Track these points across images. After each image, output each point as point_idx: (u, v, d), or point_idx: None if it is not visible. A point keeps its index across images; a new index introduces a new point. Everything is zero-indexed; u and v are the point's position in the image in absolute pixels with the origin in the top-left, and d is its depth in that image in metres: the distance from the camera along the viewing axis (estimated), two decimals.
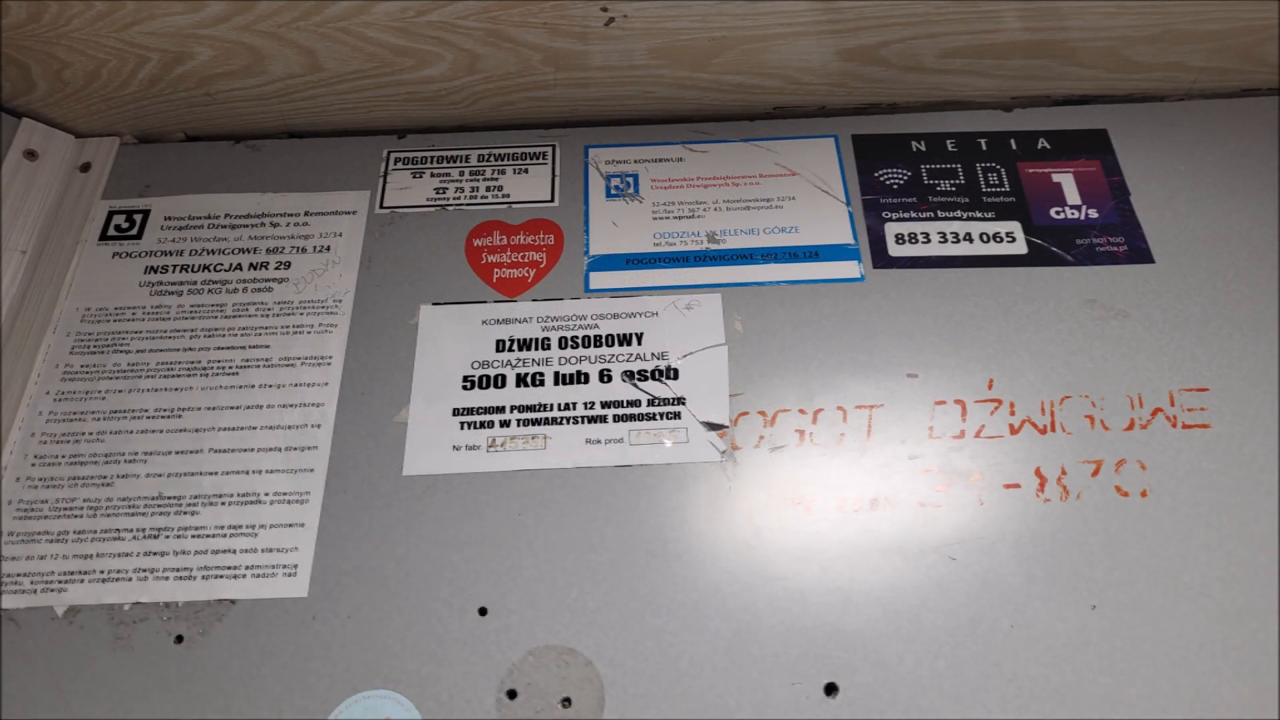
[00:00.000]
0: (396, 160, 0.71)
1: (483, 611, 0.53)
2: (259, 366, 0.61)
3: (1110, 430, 0.57)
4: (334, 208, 0.68)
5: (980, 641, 0.51)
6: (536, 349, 0.62)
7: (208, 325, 0.63)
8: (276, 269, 0.65)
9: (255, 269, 0.65)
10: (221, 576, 0.54)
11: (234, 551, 0.55)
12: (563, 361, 0.61)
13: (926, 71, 0.68)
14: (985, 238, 0.65)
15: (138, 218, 0.68)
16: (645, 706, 0.50)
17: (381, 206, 0.68)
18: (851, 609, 0.52)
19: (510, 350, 0.62)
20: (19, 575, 0.54)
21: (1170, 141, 0.69)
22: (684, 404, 0.59)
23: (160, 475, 0.57)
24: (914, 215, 0.66)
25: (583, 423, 0.59)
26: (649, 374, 0.60)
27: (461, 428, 0.59)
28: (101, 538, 0.55)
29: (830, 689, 0.50)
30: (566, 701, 0.50)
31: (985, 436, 0.57)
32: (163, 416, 0.59)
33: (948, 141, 0.70)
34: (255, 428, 0.59)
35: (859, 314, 0.62)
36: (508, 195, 0.69)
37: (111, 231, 0.67)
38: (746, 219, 0.66)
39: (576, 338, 0.62)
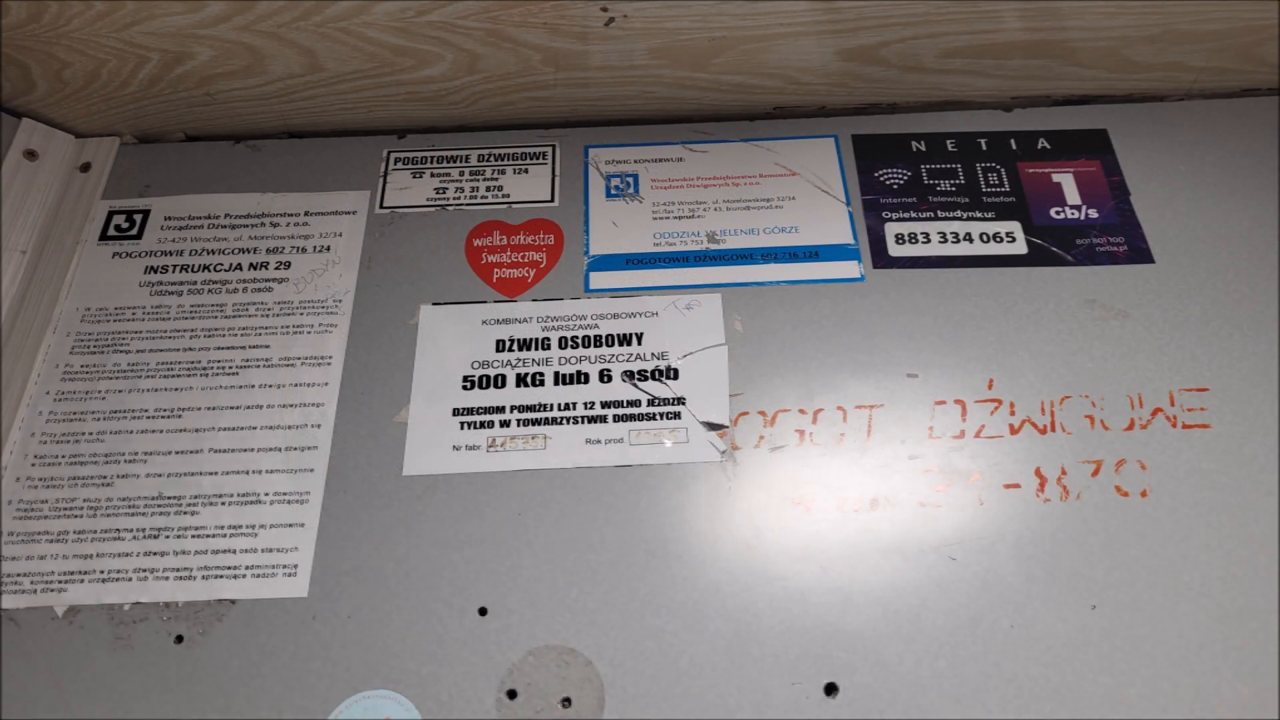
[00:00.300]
0: (396, 160, 0.71)
1: (483, 611, 0.53)
2: (259, 366, 0.61)
3: (1110, 430, 0.57)
4: (334, 208, 0.68)
5: (980, 641, 0.51)
6: (536, 349, 0.62)
7: (208, 325, 0.63)
8: (276, 269, 0.65)
9: (255, 269, 0.65)
10: (221, 576, 0.54)
11: (234, 551, 0.55)
12: (563, 361, 0.61)
13: (926, 71, 0.68)
14: (985, 238, 0.65)
15: (138, 218, 0.68)
16: (645, 706, 0.50)
17: (381, 206, 0.68)
18: (851, 609, 0.52)
19: (510, 350, 0.62)
20: (19, 575, 0.54)
21: (1170, 141, 0.69)
22: (684, 404, 0.59)
23: (160, 475, 0.57)
24: (914, 215, 0.66)
25: (583, 423, 0.59)
26: (649, 374, 0.60)
27: (461, 428, 0.59)
28: (101, 538, 0.55)
29: (830, 689, 0.50)
30: (566, 701, 0.50)
31: (985, 436, 0.57)
32: (163, 416, 0.59)
33: (948, 141, 0.70)
34: (255, 428, 0.59)
35: (859, 314, 0.62)
36: (508, 195, 0.69)
37: (111, 231, 0.67)
38: (746, 219, 0.66)
39: (576, 338, 0.62)
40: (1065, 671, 0.50)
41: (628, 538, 0.55)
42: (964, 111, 0.72)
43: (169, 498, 0.57)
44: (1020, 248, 0.64)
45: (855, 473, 0.56)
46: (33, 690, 0.51)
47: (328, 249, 0.66)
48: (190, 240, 0.67)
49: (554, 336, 0.62)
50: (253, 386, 0.60)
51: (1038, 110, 0.71)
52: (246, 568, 0.54)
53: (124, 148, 0.72)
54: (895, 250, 0.65)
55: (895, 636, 0.51)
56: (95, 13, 0.61)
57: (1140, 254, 0.64)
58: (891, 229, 0.66)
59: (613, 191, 0.69)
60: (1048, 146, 0.69)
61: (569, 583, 0.53)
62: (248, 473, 0.57)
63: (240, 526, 0.55)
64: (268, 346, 0.62)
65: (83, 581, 0.54)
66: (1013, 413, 0.58)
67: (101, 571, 0.54)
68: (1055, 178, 0.68)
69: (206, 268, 0.66)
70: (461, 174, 0.70)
